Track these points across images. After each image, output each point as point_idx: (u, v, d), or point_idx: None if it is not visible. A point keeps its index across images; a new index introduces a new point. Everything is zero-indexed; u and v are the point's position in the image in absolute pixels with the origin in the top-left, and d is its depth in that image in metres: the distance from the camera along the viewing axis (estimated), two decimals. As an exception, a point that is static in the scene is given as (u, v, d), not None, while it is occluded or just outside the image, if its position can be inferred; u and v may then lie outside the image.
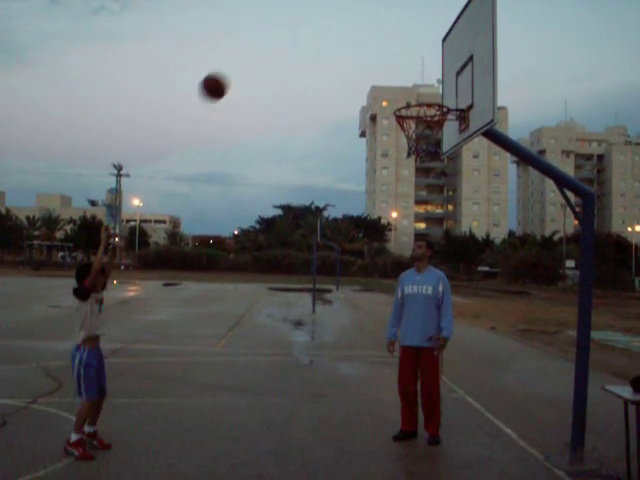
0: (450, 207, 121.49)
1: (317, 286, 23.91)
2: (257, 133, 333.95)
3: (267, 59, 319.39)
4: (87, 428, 5.47)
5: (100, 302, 5.56)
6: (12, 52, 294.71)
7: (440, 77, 6.60)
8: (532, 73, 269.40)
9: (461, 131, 5.79)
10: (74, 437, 5.32)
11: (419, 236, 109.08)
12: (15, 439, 5.72)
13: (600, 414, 6.90)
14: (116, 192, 74.00)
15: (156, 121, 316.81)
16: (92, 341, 5.47)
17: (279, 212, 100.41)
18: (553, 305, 30.63)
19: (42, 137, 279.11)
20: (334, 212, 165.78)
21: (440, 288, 6.06)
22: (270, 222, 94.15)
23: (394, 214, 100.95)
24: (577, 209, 5.87)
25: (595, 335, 14.92)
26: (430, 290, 6.05)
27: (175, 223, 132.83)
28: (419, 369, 6.09)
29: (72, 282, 5.70)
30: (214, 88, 5.22)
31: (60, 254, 70.95)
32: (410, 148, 5.98)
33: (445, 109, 5.80)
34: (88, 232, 74.25)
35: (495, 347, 14.03)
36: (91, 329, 5.45)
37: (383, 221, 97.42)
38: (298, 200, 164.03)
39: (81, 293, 5.46)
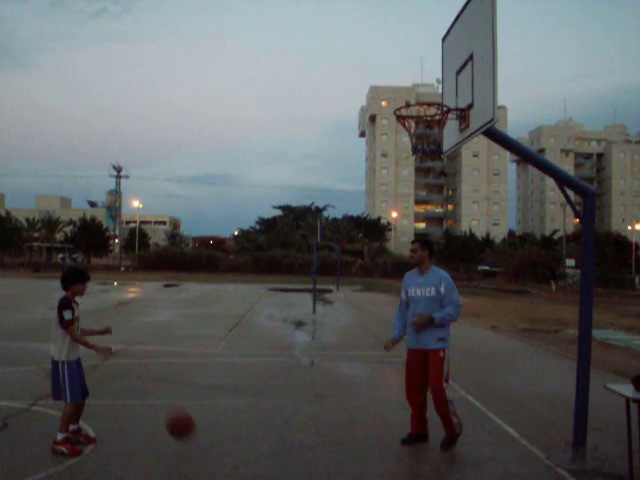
0: (450, 207, 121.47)
1: (317, 286, 23.91)
2: (256, 134, 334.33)
3: (266, 59, 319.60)
4: (70, 426, 5.56)
5: (77, 320, 5.61)
6: (12, 54, 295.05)
7: (439, 77, 6.59)
8: (531, 72, 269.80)
9: (461, 130, 5.78)
10: (60, 436, 5.43)
11: (418, 236, 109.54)
12: (16, 441, 5.72)
13: (602, 412, 6.90)
14: (116, 193, 74.15)
15: (156, 122, 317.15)
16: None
17: (279, 213, 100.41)
18: (553, 304, 30.63)
19: (42, 139, 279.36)
20: (334, 212, 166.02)
21: (442, 289, 5.94)
22: (270, 223, 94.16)
23: (394, 214, 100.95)
24: (577, 208, 5.86)
25: (596, 334, 14.89)
26: (433, 291, 5.96)
27: (175, 224, 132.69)
28: (427, 371, 5.98)
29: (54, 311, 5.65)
30: (181, 427, 5.27)
31: (60, 256, 70.92)
32: (415, 147, 5.95)
33: (445, 108, 5.79)
34: (88, 234, 74.31)
35: (496, 346, 14.02)
36: (70, 354, 5.50)
37: (383, 221, 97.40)
38: (298, 200, 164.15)
39: (61, 322, 5.47)
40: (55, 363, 5.51)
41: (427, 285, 6.00)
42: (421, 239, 6.56)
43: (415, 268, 6.22)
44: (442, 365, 5.92)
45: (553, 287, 46.34)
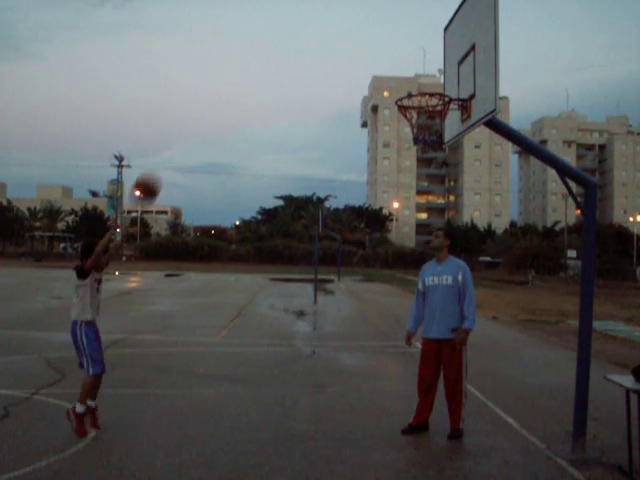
0: (452, 197, 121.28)
1: (318, 277, 23.92)
2: (258, 123, 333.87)
3: (268, 49, 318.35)
4: (89, 402, 5.67)
5: (98, 282, 5.79)
6: (14, 44, 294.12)
7: (441, 67, 6.56)
8: (533, 63, 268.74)
9: (463, 120, 5.76)
10: (80, 408, 5.55)
11: (421, 227, 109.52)
12: (18, 430, 5.74)
13: (602, 403, 6.92)
14: (117, 183, 73.89)
15: (158, 112, 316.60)
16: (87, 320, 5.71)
17: (280, 203, 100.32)
18: (555, 295, 30.63)
19: (43, 128, 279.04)
20: (335, 202, 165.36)
21: (460, 277, 5.95)
22: (272, 213, 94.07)
23: (395, 204, 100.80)
24: (579, 199, 5.85)
25: (597, 325, 14.89)
26: (450, 280, 5.94)
27: (177, 214, 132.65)
28: (441, 362, 5.97)
29: (73, 274, 5.79)
30: (146, 190, 6.00)
31: (62, 245, 70.95)
32: (416, 137, 5.94)
33: (447, 98, 5.76)
34: (89, 223, 74.29)
35: (497, 337, 14.03)
36: (85, 313, 5.65)
37: (384, 211, 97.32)
38: (299, 190, 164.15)
39: (81, 272, 5.68)
40: (74, 324, 5.65)
41: (445, 273, 6.01)
42: (446, 228, 6.76)
43: (433, 259, 6.26)
44: (460, 357, 5.93)
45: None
